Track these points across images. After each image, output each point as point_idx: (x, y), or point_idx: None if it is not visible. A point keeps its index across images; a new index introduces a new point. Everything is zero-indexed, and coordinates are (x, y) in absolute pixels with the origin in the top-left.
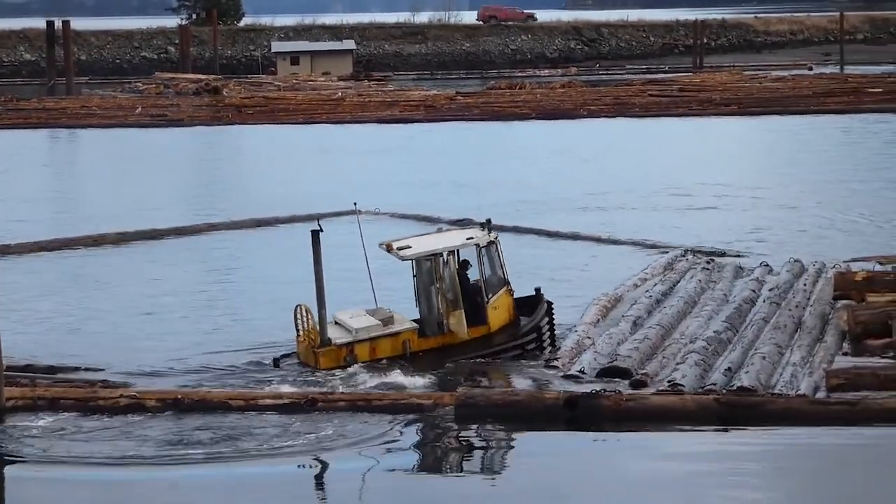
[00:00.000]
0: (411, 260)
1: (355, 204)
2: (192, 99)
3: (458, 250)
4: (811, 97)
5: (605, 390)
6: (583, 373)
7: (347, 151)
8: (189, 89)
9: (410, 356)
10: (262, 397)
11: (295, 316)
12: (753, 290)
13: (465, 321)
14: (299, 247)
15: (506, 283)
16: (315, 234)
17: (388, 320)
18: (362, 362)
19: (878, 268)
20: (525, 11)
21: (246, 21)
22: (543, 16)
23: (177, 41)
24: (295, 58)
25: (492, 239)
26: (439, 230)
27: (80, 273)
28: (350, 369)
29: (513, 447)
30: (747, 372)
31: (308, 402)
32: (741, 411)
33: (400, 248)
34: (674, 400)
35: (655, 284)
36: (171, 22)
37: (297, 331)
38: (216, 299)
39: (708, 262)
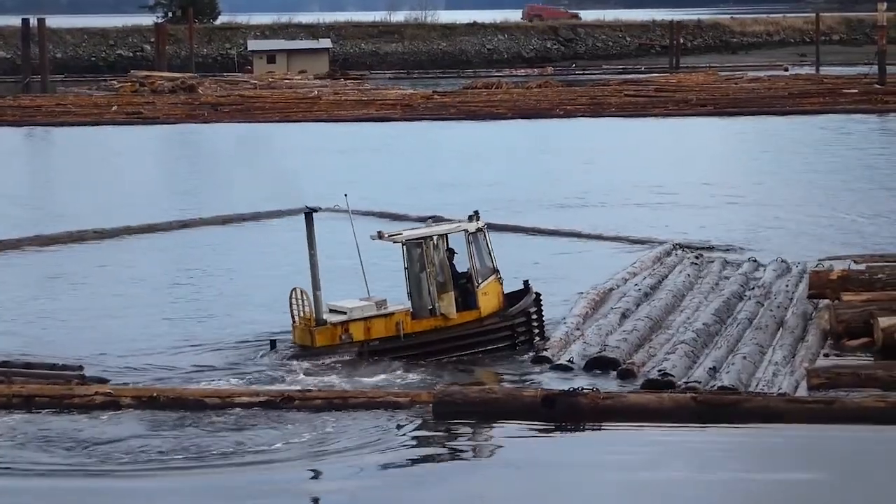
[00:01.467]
0: (402, 245)
1: (346, 195)
2: (168, 97)
3: (447, 235)
4: (787, 98)
5: (582, 388)
6: (572, 363)
7: (322, 150)
8: (165, 87)
9: (404, 337)
10: (239, 395)
11: (290, 299)
12: (741, 285)
13: (454, 303)
14: (268, 242)
15: (495, 270)
16: (309, 216)
17: (381, 303)
18: (357, 341)
19: (853, 266)
20: (570, 11)
21: (222, 19)
22: (519, 15)
23: (152, 39)
24: (271, 56)
25: (480, 227)
26: (428, 224)
27: (61, 270)
28: (331, 362)
29: (490, 447)
30: (728, 372)
31: (284, 400)
32: (719, 409)
33: (392, 235)
34: (651, 398)
35: (644, 278)
36: (147, 20)
37: (293, 315)
38: (193, 295)
39: (697, 258)
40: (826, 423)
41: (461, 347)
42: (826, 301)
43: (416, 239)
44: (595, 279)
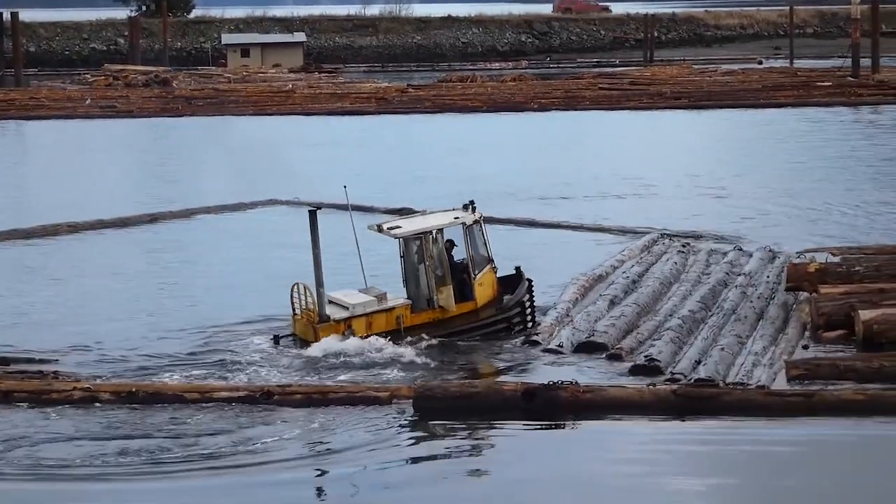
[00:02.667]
0: (401, 239)
1: (345, 187)
2: (142, 90)
3: (445, 229)
4: (761, 91)
5: (562, 382)
6: (561, 347)
7: (296, 143)
8: (138, 81)
9: (404, 331)
10: (218, 390)
11: (292, 294)
12: (727, 273)
13: (453, 296)
14: (232, 235)
15: (490, 260)
16: (312, 214)
17: (381, 297)
18: (360, 336)
19: (831, 259)
20: (601, 3)
21: (196, 13)
22: (494, 9)
23: (126, 33)
24: (245, 50)
25: (476, 218)
26: (424, 213)
27: (38, 264)
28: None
29: (470, 441)
30: (705, 364)
31: (264, 395)
32: (698, 403)
33: (391, 228)
34: (631, 392)
35: (632, 266)
36: (121, 13)
37: (294, 309)
38: (172, 288)
39: (683, 246)
40: (806, 416)
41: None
42: (806, 294)
43: (416, 233)
44: (580, 268)
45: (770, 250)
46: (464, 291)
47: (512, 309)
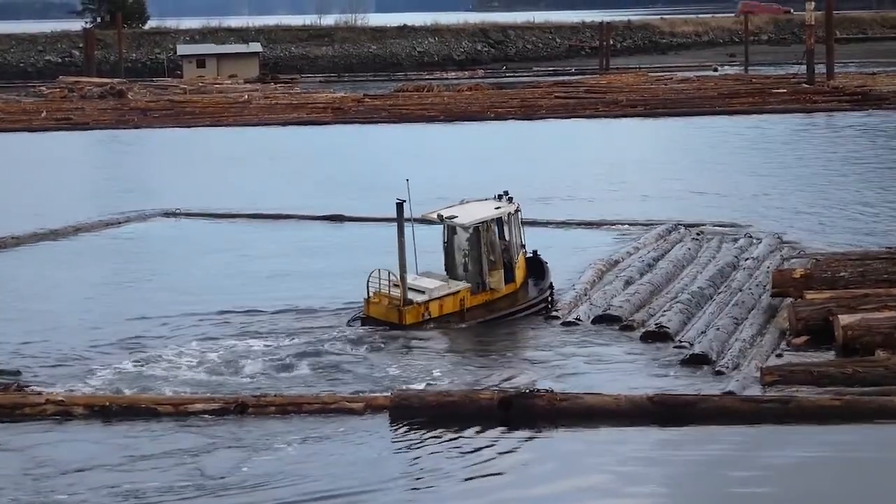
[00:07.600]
0: (463, 228)
1: (407, 180)
2: (97, 102)
3: (495, 218)
4: (716, 98)
5: (538, 390)
6: (579, 320)
7: (249, 154)
8: (94, 93)
9: (466, 312)
10: (193, 402)
11: (369, 279)
12: (736, 256)
13: (503, 279)
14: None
15: (522, 246)
16: (399, 206)
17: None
18: (435, 317)
19: (815, 265)
20: (782, 7)
21: (151, 24)
22: (449, 18)
23: (81, 45)
24: (201, 60)
25: (517, 207)
26: (462, 203)
27: None
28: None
29: (445, 450)
30: (699, 342)
31: (239, 407)
32: (675, 410)
33: (450, 218)
34: (608, 399)
35: (648, 252)
36: (76, 25)
37: (368, 293)
38: (111, 298)
39: (698, 234)
40: (782, 423)
41: (511, 321)
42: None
43: (478, 222)
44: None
45: (778, 237)
46: (506, 275)
47: (549, 289)
